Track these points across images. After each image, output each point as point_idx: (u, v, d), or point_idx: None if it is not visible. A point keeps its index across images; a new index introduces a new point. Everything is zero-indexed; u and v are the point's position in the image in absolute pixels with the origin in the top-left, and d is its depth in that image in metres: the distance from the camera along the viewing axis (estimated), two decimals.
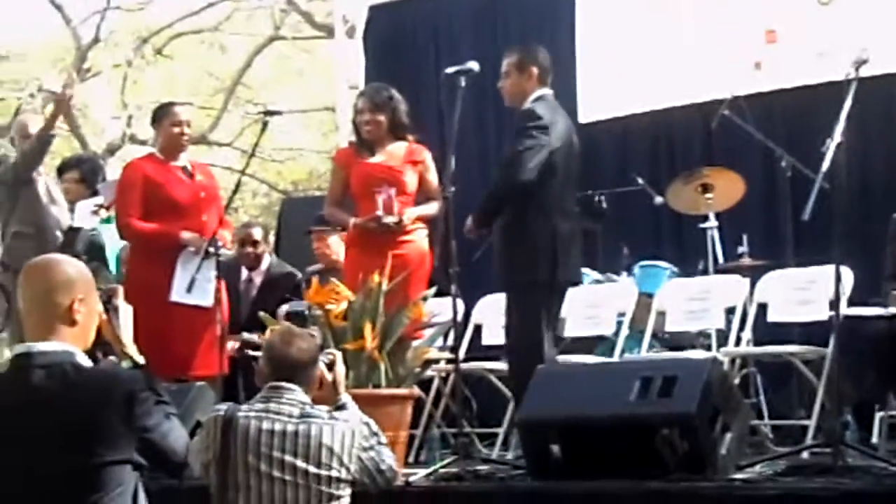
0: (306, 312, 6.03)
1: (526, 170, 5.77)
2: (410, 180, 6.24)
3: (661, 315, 7.02)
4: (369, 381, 5.33)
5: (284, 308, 6.80)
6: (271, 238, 8.45)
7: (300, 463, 3.93)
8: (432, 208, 6.23)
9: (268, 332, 5.05)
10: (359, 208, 6.24)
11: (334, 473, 3.96)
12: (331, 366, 4.29)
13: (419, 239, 6.22)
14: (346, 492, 4.02)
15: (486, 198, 5.95)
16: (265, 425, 3.99)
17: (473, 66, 5.91)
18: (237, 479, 3.97)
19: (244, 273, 7.74)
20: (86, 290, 3.31)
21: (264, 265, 7.79)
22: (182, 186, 6.58)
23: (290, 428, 3.97)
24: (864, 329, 5.86)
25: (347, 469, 3.99)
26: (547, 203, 5.87)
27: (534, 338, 5.81)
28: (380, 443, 4.18)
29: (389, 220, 6.05)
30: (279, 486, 3.94)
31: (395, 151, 6.27)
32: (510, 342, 5.86)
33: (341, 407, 4.25)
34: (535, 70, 6.09)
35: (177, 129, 6.60)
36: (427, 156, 6.27)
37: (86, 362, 3.27)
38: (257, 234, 7.85)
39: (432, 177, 6.25)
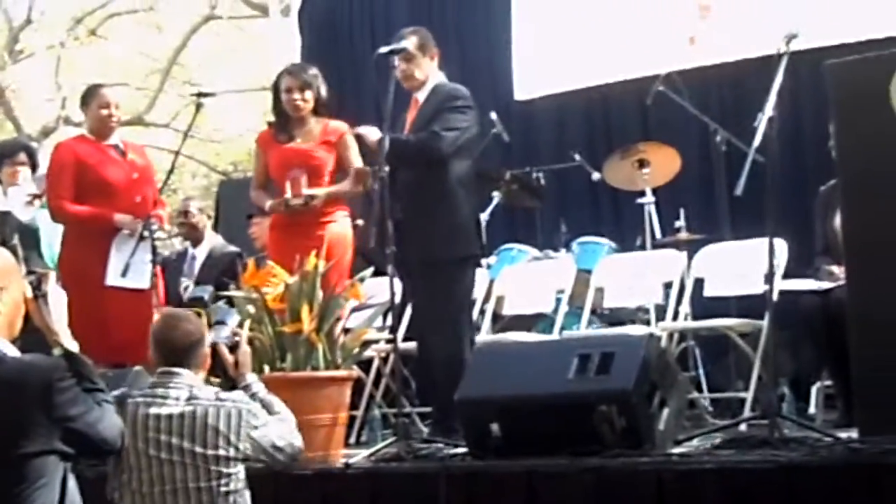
0: (206, 298, 6.02)
1: (452, 145, 5.83)
2: (325, 161, 6.17)
3: (600, 291, 7.05)
4: (307, 363, 5.30)
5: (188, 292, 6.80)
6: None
7: (187, 444, 3.99)
8: (346, 185, 6.18)
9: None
10: (276, 192, 6.21)
11: (222, 452, 4.00)
12: (233, 347, 4.32)
13: (339, 220, 6.17)
14: (235, 468, 4.04)
15: (407, 144, 5.88)
16: (152, 410, 4.04)
17: (408, 45, 5.88)
18: (129, 462, 4.01)
19: (189, 251, 7.78)
20: (7, 278, 3.25)
21: (207, 244, 7.78)
22: (115, 167, 6.51)
23: (176, 411, 4.02)
24: (799, 302, 5.92)
25: (236, 448, 4.02)
26: (466, 182, 5.96)
27: (466, 313, 5.91)
28: (281, 420, 4.26)
29: (295, 202, 6.02)
30: (168, 467, 3.99)
31: (312, 131, 6.21)
32: (435, 318, 5.83)
33: (246, 388, 4.36)
34: (435, 51, 6.08)
35: (105, 112, 6.53)
36: (345, 132, 6.20)
37: (11, 352, 3.22)
38: (193, 207, 7.88)
39: (351, 154, 6.15)
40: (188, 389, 4.08)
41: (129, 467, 4.02)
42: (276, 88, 6.28)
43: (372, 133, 5.93)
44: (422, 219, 5.81)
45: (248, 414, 4.08)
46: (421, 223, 5.80)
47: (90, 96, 6.62)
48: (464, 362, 5.47)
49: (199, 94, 6.95)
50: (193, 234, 7.92)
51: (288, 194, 6.05)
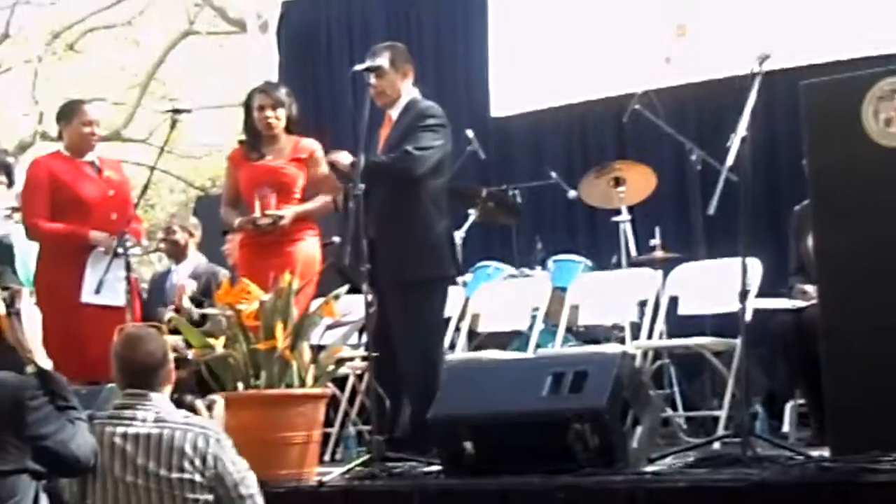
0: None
1: (426, 166, 5.84)
2: (295, 178, 6.17)
3: (575, 309, 7.07)
4: (282, 380, 5.29)
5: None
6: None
7: (152, 466, 3.90)
8: (317, 202, 6.19)
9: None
10: (247, 210, 6.21)
11: (187, 476, 3.90)
12: (210, 407, 4.30)
13: (307, 239, 6.16)
14: (202, 496, 3.94)
15: (380, 165, 5.86)
16: (119, 430, 3.95)
17: (383, 62, 5.89)
18: (94, 483, 3.92)
19: (172, 269, 7.74)
20: None
21: (190, 263, 7.72)
22: (90, 184, 6.48)
23: (143, 432, 3.94)
24: (773, 321, 5.95)
25: (202, 474, 3.92)
26: (439, 200, 5.98)
27: (438, 334, 5.93)
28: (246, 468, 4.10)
29: (263, 221, 6.03)
30: (132, 490, 3.91)
31: (282, 149, 6.22)
32: (407, 336, 5.81)
33: None
34: (408, 68, 6.09)
35: (87, 129, 6.51)
36: (315, 150, 6.21)
37: None
38: (176, 224, 7.83)
39: (321, 171, 6.16)
40: (155, 411, 4.00)
41: (93, 489, 3.93)
42: (247, 106, 6.27)
43: (343, 157, 5.93)
44: (395, 237, 5.81)
45: (216, 444, 3.98)
46: (394, 242, 5.80)
47: (71, 112, 6.59)
48: (436, 381, 5.47)
49: (175, 111, 6.93)
50: (175, 252, 7.81)
51: (257, 213, 6.05)
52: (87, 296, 6.30)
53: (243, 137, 6.34)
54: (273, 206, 6.02)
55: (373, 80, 5.92)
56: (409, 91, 6.10)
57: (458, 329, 7.18)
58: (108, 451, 3.92)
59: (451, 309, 7.01)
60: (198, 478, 3.93)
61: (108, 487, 3.92)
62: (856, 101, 4.34)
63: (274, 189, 6.06)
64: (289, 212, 6.05)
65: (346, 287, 5.77)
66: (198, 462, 3.93)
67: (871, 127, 4.30)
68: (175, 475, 3.91)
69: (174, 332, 5.57)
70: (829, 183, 4.43)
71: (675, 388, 7.14)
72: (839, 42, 7.82)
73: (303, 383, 5.33)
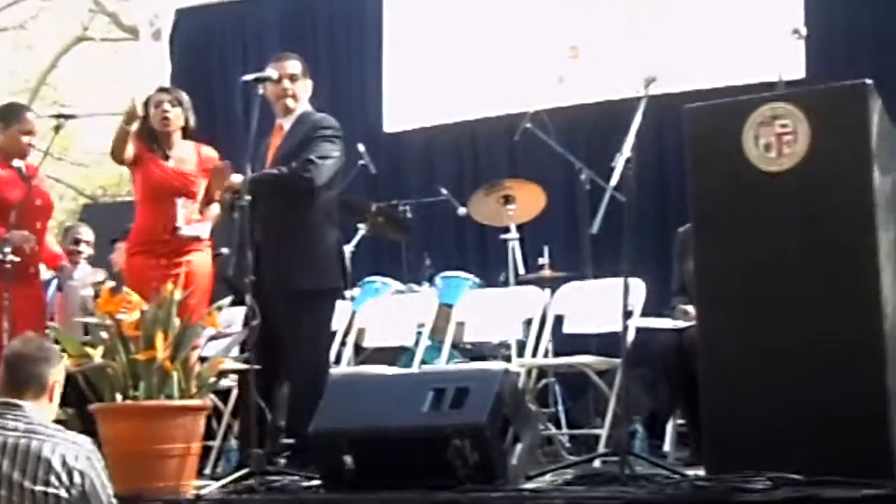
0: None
1: (325, 176, 5.81)
2: (200, 189, 6.18)
3: (461, 325, 7.08)
4: (161, 392, 5.20)
5: None
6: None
7: (17, 476, 3.77)
8: (215, 217, 6.24)
9: None
10: (145, 206, 6.16)
11: (52, 490, 3.78)
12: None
13: (201, 249, 6.17)
14: None
15: (279, 176, 5.82)
16: None
17: (272, 73, 5.87)
18: None
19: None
20: None
21: (81, 270, 7.55)
22: (18, 189, 6.32)
23: (10, 441, 3.82)
24: (654, 341, 6.01)
25: (67, 490, 3.80)
26: (332, 212, 5.98)
27: (325, 346, 5.94)
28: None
29: (188, 233, 6.01)
30: None
31: (185, 156, 6.20)
32: (292, 349, 5.79)
33: None
34: (309, 80, 6.12)
35: (25, 138, 6.38)
36: (216, 161, 6.18)
37: None
38: (84, 234, 7.65)
39: (215, 185, 6.13)
40: (26, 421, 3.87)
41: None
42: (146, 108, 6.21)
43: (234, 178, 5.88)
44: (283, 248, 5.77)
45: (86, 461, 3.85)
46: (282, 252, 5.76)
47: (12, 115, 6.43)
48: (320, 394, 5.43)
49: (59, 116, 6.79)
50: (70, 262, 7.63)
51: (180, 221, 6.02)
52: None
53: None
54: (186, 220, 6.06)
55: (287, 83, 5.94)
56: (304, 103, 6.09)
57: (343, 343, 7.17)
58: None
59: (338, 323, 6.99)
60: (63, 493, 3.80)
61: None
62: (737, 125, 4.40)
63: (182, 195, 6.07)
64: (206, 233, 6.10)
65: (229, 298, 5.72)
66: (64, 477, 3.80)
67: (752, 151, 4.36)
68: (39, 488, 3.78)
69: None
70: (709, 205, 4.48)
71: (560, 407, 7.20)
72: (727, 68, 7.97)
73: (183, 395, 5.26)
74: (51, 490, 3.79)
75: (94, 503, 3.86)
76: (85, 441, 3.98)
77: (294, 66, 6.06)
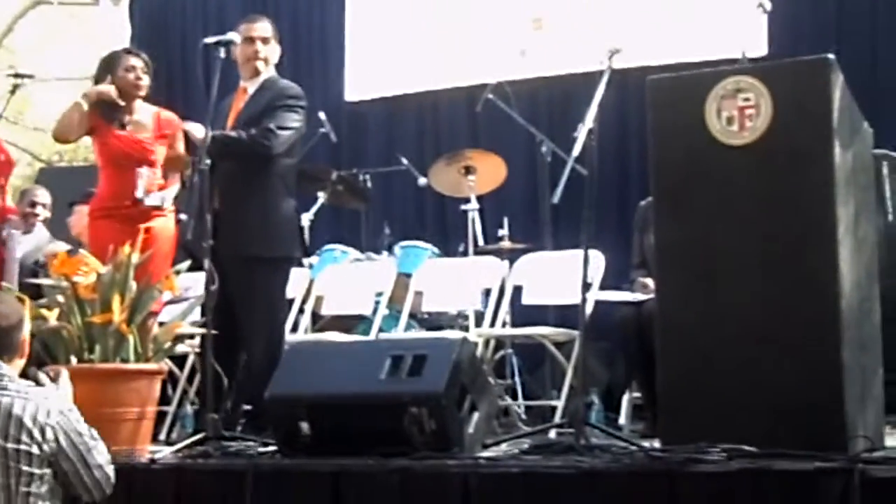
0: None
1: (282, 145, 5.79)
2: (160, 155, 6.12)
3: (419, 295, 7.08)
4: (117, 355, 5.18)
5: None
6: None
7: None
8: (177, 183, 6.20)
9: None
10: (107, 173, 6.09)
11: (24, 448, 3.77)
12: (54, 378, 4.16)
13: (165, 215, 6.11)
14: (39, 469, 3.81)
15: (239, 141, 5.78)
16: None
17: (234, 37, 5.81)
18: None
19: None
20: None
21: (35, 236, 7.48)
22: None
23: None
24: (613, 314, 6.03)
25: (40, 446, 3.80)
26: (289, 180, 5.95)
27: (278, 313, 5.91)
28: (94, 438, 3.99)
29: (151, 203, 5.98)
30: None
31: (143, 121, 6.12)
32: (247, 315, 5.76)
33: None
34: (278, 46, 6.10)
35: None
36: (179, 128, 6.12)
37: None
38: (41, 196, 7.57)
39: (179, 146, 6.11)
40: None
41: None
42: (107, 69, 6.11)
43: (197, 130, 5.84)
44: (240, 214, 5.74)
45: (58, 415, 3.84)
46: (239, 219, 5.73)
47: None
48: (276, 361, 5.42)
49: (17, 76, 6.73)
50: (26, 225, 7.56)
51: (140, 192, 5.96)
52: None
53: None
54: (156, 186, 6.01)
55: (259, 45, 5.92)
56: (271, 68, 6.05)
57: (301, 311, 7.15)
58: None
59: (296, 290, 6.98)
60: (35, 450, 3.79)
61: None
62: (700, 98, 4.39)
63: (142, 164, 6.00)
64: (169, 200, 6.05)
65: (187, 263, 5.69)
66: (36, 433, 3.79)
67: (714, 125, 4.36)
68: (11, 445, 3.77)
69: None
70: (670, 178, 4.47)
71: (517, 378, 7.21)
72: (692, 44, 7.99)
73: (139, 359, 5.23)
74: (22, 447, 3.78)
75: (72, 454, 3.86)
76: (56, 396, 3.98)
77: (266, 28, 6.05)
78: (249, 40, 5.94)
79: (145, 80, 6.10)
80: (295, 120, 5.89)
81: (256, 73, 5.99)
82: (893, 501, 3.52)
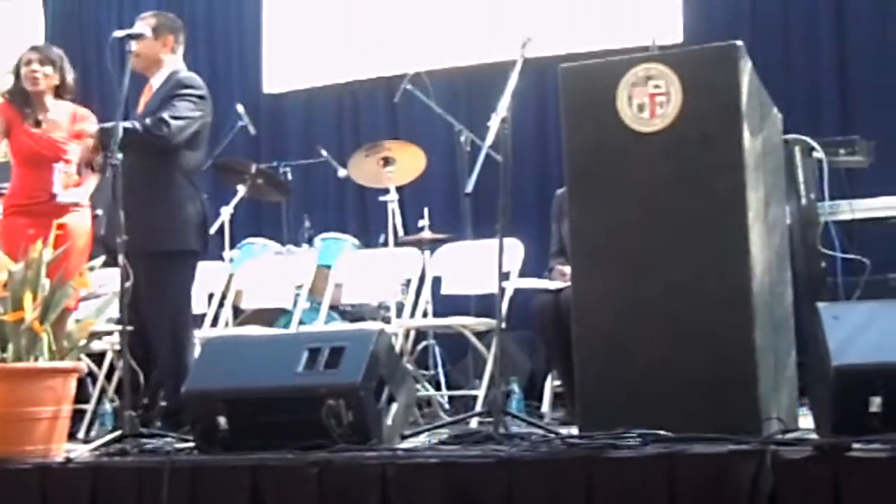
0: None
1: (178, 134, 5.74)
2: (74, 154, 6.09)
3: (339, 287, 7.06)
4: (31, 354, 5.09)
5: None
6: None
7: None
8: (92, 179, 6.16)
9: None
10: (21, 170, 6.04)
11: None
12: None
13: (79, 211, 6.07)
14: None
15: (135, 132, 5.67)
16: None
17: (144, 30, 5.75)
18: None
19: None
20: None
21: None
22: None
23: None
24: (532, 302, 6.05)
25: None
26: (192, 174, 5.89)
27: (183, 308, 5.86)
28: None
29: (67, 200, 5.95)
30: None
31: (58, 119, 6.07)
32: (154, 310, 5.72)
33: None
34: (171, 38, 5.99)
35: None
36: (92, 123, 6.07)
37: None
38: None
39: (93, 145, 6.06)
40: None
41: None
42: (17, 69, 6.08)
43: (88, 127, 5.80)
44: (143, 208, 5.66)
45: None
46: (142, 212, 5.65)
47: None
48: (184, 356, 5.41)
49: None
50: None
51: (57, 188, 5.94)
52: None
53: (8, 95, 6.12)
54: (72, 182, 5.98)
55: (133, 45, 5.79)
56: (172, 62, 5.99)
57: (221, 305, 7.11)
58: None
59: (216, 284, 6.93)
60: None
61: None
62: (611, 85, 4.41)
63: (68, 167, 6.01)
64: (85, 197, 6.01)
65: (101, 259, 5.62)
66: None
67: (625, 112, 4.38)
68: None
69: None
70: (583, 165, 4.48)
71: (440, 369, 7.22)
72: (607, 32, 8.03)
73: (54, 357, 5.16)
74: None
75: None
76: None
77: (144, 28, 5.92)
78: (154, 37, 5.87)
79: (42, 73, 6.05)
80: (190, 109, 5.81)
81: (145, 68, 5.93)
82: (805, 482, 3.56)
